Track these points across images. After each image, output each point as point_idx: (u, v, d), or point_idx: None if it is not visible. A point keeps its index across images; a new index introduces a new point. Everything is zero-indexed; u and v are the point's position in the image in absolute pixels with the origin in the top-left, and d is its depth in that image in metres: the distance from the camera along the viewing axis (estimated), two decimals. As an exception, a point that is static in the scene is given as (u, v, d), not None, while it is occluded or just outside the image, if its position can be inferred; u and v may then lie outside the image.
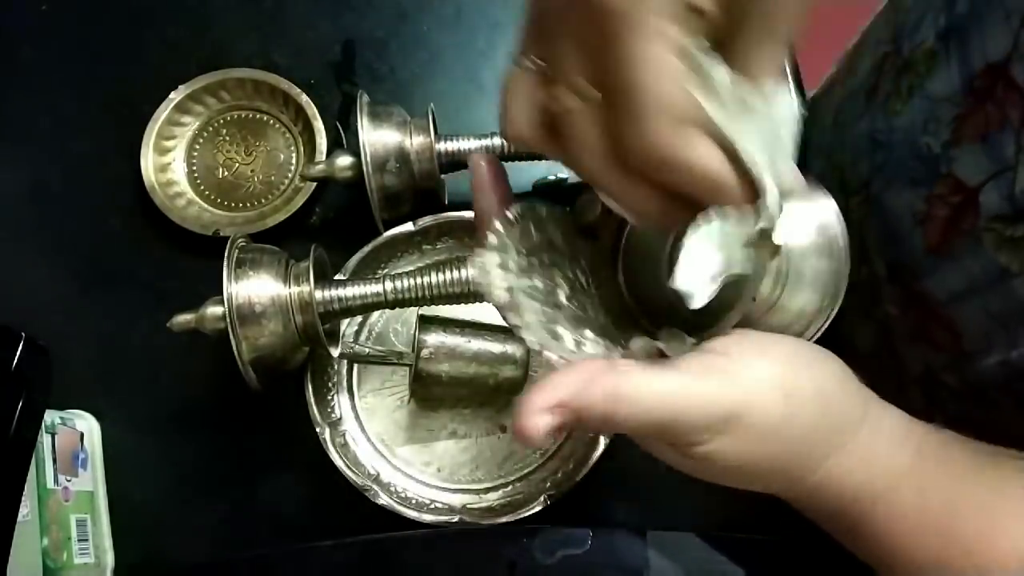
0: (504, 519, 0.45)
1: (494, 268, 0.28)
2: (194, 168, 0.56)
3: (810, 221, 0.30)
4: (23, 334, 0.41)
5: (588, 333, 0.27)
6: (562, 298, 0.28)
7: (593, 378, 0.26)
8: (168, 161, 0.55)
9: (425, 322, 0.47)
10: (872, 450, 0.30)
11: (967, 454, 0.31)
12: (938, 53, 0.34)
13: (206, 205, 0.55)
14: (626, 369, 0.27)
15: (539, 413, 0.26)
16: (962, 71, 0.32)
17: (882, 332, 0.40)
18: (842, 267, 0.31)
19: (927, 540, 0.30)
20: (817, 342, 0.32)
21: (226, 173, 0.56)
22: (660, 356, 0.28)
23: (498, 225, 0.29)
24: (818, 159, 0.46)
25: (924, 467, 0.30)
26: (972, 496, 0.30)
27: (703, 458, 0.28)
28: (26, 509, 0.41)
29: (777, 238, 0.25)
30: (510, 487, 0.48)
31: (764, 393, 0.28)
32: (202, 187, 0.55)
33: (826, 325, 0.31)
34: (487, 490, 0.48)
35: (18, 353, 0.40)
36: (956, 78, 0.32)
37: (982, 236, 0.31)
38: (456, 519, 0.45)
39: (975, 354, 0.34)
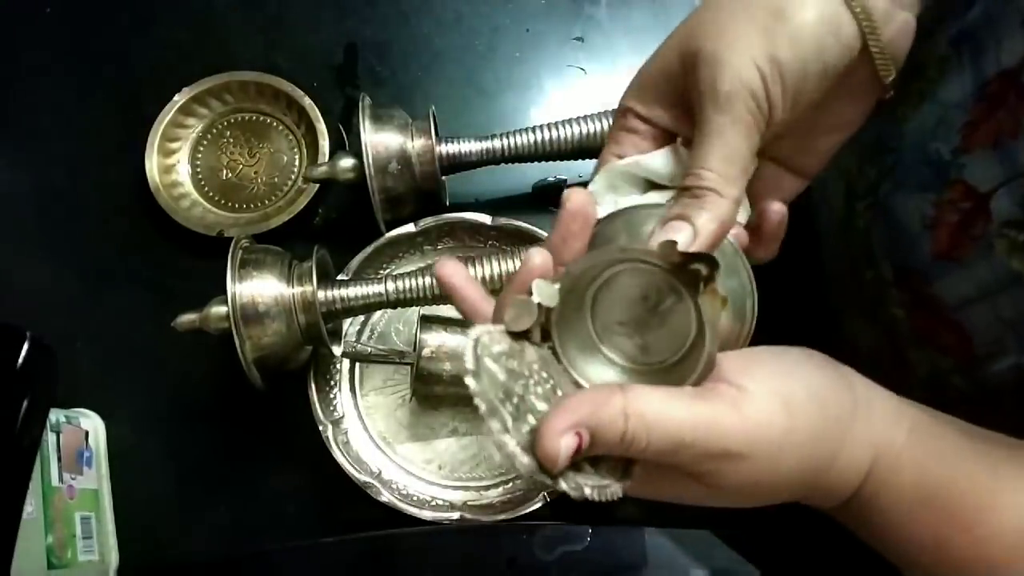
0: (504, 516, 0.45)
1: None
2: (198, 169, 0.56)
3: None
4: (28, 333, 0.41)
5: (532, 420, 0.27)
6: (527, 386, 0.28)
7: (608, 399, 0.27)
8: (172, 163, 0.56)
9: (426, 321, 0.47)
10: (870, 432, 0.31)
11: (957, 431, 0.31)
12: (950, 59, 0.34)
13: (210, 206, 0.55)
14: (640, 390, 0.27)
15: (559, 435, 0.26)
16: (975, 78, 0.32)
17: (887, 335, 0.40)
18: (745, 282, 0.31)
19: (926, 516, 0.30)
20: (818, 342, 0.33)
21: (230, 175, 0.56)
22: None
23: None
24: None
25: (919, 445, 0.31)
26: (968, 471, 0.30)
27: (718, 478, 0.28)
28: (31, 507, 0.42)
29: (721, 288, 0.26)
30: (510, 484, 0.48)
31: (768, 413, 0.28)
32: (206, 188, 0.56)
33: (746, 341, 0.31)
34: (487, 487, 0.48)
35: (23, 352, 0.41)
36: (968, 84, 0.33)
37: (994, 242, 0.31)
38: (457, 516, 0.46)
39: (986, 358, 0.34)
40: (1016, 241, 0.30)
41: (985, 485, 0.30)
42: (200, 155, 0.56)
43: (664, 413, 0.27)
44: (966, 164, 0.33)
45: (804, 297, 0.49)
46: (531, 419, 0.27)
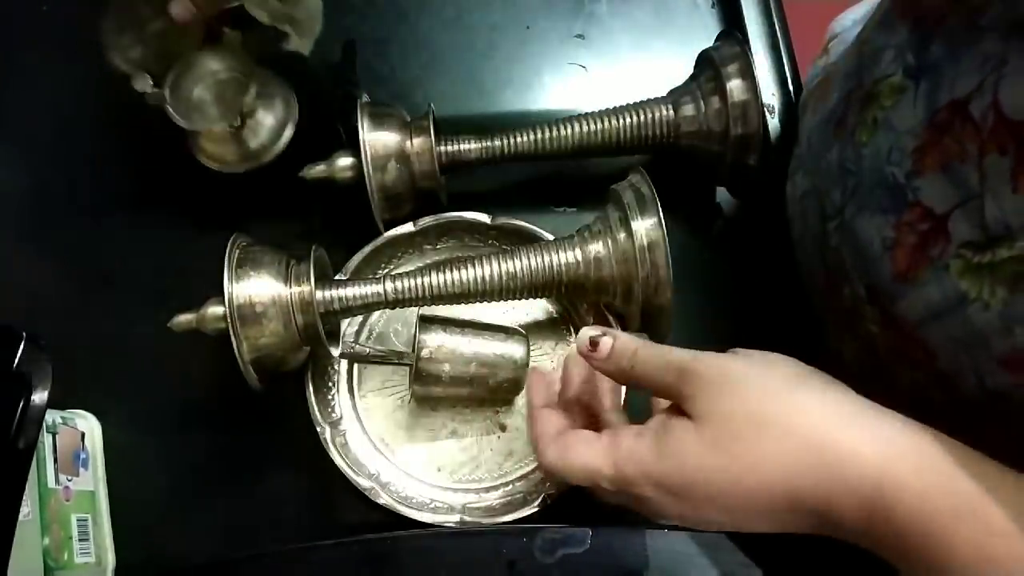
0: (504, 518, 0.45)
1: None
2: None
3: None
4: (24, 334, 0.41)
5: None
6: None
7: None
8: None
9: (425, 322, 0.47)
10: (878, 432, 0.31)
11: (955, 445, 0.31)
12: (907, 89, 0.35)
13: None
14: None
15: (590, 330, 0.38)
16: (927, 106, 0.33)
17: (867, 349, 0.41)
18: None
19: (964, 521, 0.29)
20: (805, 356, 0.35)
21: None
22: None
23: None
24: (805, 177, 0.46)
25: (938, 447, 0.30)
26: (997, 481, 0.29)
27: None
28: (27, 509, 0.41)
29: None
30: (510, 486, 0.48)
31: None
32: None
33: None
34: (487, 489, 0.48)
35: (19, 353, 0.40)
36: (921, 112, 0.34)
37: (948, 262, 0.32)
38: (456, 518, 0.45)
39: (952, 375, 0.34)
40: (971, 262, 0.31)
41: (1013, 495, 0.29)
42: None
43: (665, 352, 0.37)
44: (920, 187, 0.34)
45: (790, 307, 0.50)
46: None
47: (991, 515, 0.29)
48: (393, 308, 0.46)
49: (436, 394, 0.49)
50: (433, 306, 0.47)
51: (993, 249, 0.30)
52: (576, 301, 0.51)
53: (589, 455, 0.37)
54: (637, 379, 0.38)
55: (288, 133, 0.54)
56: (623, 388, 0.44)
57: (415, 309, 0.50)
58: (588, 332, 0.39)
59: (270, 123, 0.54)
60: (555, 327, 0.52)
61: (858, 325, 0.40)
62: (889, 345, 0.38)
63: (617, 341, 0.38)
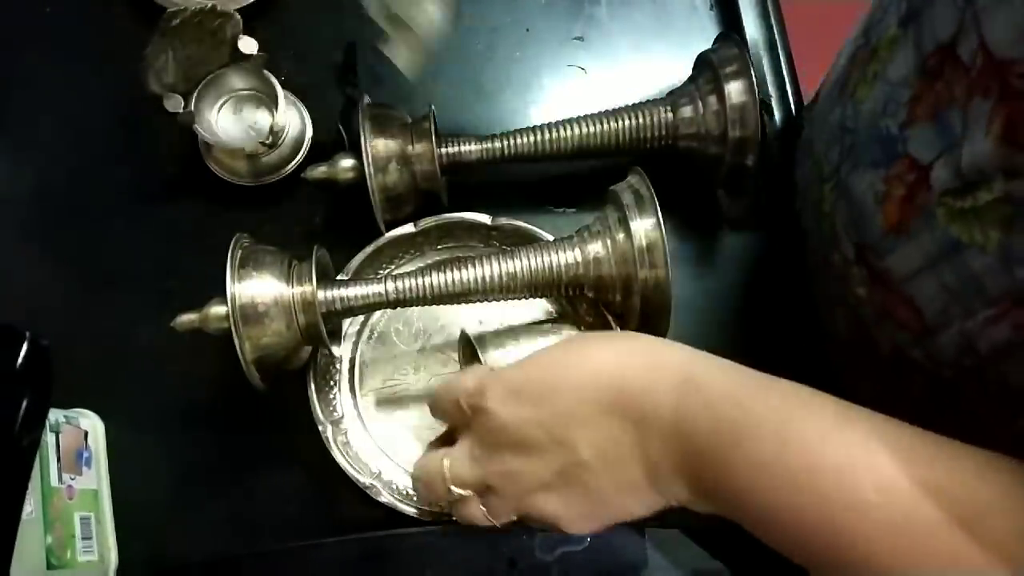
0: (504, 517, 0.45)
1: None
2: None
3: None
4: (27, 333, 0.41)
5: None
6: None
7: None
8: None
9: (477, 343, 0.46)
10: (681, 348, 0.35)
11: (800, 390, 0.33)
12: (899, 39, 0.35)
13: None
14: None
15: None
16: (916, 54, 0.33)
17: (853, 315, 0.41)
18: None
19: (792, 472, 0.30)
20: (804, 354, 0.35)
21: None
22: None
23: None
24: (805, 158, 0.47)
25: (774, 398, 0.32)
26: (827, 428, 0.31)
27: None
28: (30, 507, 0.41)
29: None
30: (510, 485, 0.48)
31: None
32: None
33: None
34: (487, 488, 0.48)
35: (22, 352, 0.41)
36: (912, 61, 0.34)
37: (935, 211, 0.32)
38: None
39: (936, 329, 0.35)
40: (953, 209, 0.31)
41: (847, 443, 0.30)
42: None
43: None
44: (909, 138, 0.34)
45: (789, 307, 0.50)
46: None
47: (791, 393, 0.32)
48: (394, 308, 0.47)
49: None
50: (434, 306, 0.47)
51: (974, 194, 0.30)
52: (575, 301, 0.51)
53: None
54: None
55: (303, 153, 0.55)
56: None
57: (416, 309, 0.50)
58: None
59: (288, 143, 0.55)
60: (555, 327, 0.52)
61: (847, 291, 0.40)
62: (875, 306, 0.39)
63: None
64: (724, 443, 0.32)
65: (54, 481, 0.44)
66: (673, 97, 0.51)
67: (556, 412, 0.35)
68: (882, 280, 0.37)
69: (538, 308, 0.52)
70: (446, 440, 0.41)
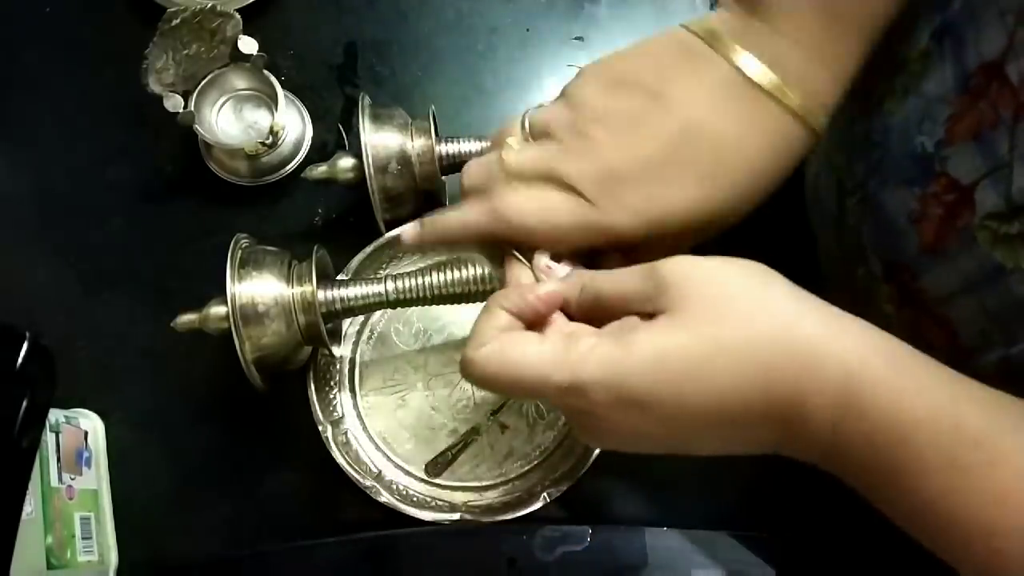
0: (504, 517, 0.45)
1: None
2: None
3: None
4: (27, 334, 0.41)
5: None
6: None
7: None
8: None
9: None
10: (850, 327, 0.30)
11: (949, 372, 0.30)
12: (932, 53, 0.34)
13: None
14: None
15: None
16: (956, 70, 0.32)
17: None
18: None
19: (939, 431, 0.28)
20: None
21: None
22: None
23: None
24: (814, 159, 0.46)
25: (909, 350, 0.30)
26: (971, 392, 0.29)
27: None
28: (30, 507, 0.42)
29: None
30: (510, 485, 0.48)
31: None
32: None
33: None
34: (487, 488, 0.48)
35: (23, 353, 0.41)
36: (951, 78, 0.33)
37: (976, 234, 0.32)
38: (457, 517, 0.46)
39: (972, 351, 0.34)
40: (998, 232, 0.31)
41: (991, 409, 0.28)
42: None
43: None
44: (949, 157, 0.33)
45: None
46: None
47: (967, 423, 0.28)
48: (394, 308, 0.47)
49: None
50: (434, 306, 0.47)
51: (1021, 219, 0.29)
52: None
53: (535, 352, 0.32)
54: (600, 293, 0.34)
55: (303, 153, 0.55)
56: None
57: (416, 309, 0.50)
58: (543, 259, 0.37)
59: (288, 143, 0.55)
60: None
61: (870, 307, 0.40)
62: (904, 325, 0.38)
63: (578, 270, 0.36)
64: (880, 483, 0.29)
65: (54, 481, 0.44)
66: (673, 97, 0.51)
67: (684, 407, 0.30)
68: (914, 299, 0.36)
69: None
70: None
